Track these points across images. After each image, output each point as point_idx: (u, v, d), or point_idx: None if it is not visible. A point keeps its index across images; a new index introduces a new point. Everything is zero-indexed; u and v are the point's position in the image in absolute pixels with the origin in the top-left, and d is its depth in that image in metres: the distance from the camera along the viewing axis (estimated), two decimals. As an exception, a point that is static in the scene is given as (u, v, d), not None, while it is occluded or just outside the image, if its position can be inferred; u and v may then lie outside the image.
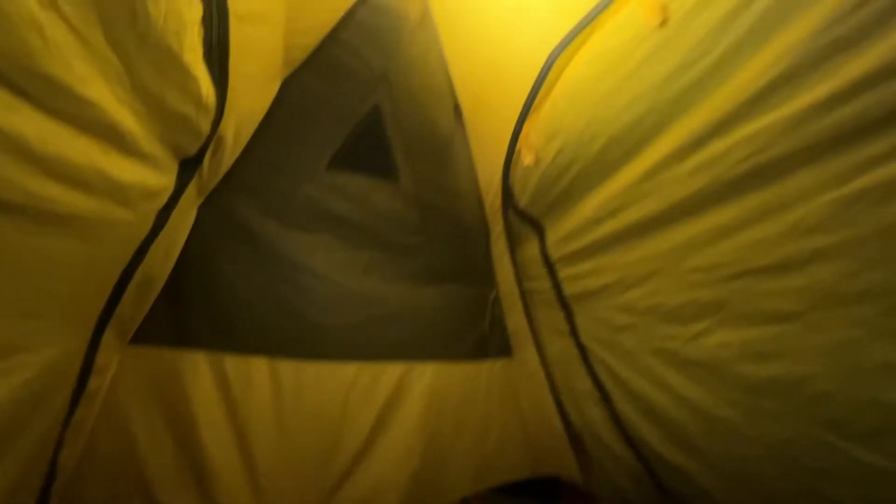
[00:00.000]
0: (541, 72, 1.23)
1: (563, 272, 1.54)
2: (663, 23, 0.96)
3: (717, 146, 0.96)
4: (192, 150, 1.10)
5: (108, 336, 1.16)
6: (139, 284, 1.15)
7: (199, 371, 1.38)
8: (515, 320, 1.83)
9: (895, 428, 0.78)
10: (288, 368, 1.50)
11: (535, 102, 1.33)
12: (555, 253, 1.55)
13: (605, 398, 1.50)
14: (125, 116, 0.84)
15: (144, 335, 1.32)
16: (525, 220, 1.63)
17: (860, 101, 0.76)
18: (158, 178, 1.06)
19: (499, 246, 1.75)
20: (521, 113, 1.36)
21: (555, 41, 1.15)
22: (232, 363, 1.43)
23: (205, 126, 1.03)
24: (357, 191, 1.57)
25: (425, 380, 1.72)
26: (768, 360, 0.96)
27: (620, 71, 1.08)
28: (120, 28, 0.70)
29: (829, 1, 0.77)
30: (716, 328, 1.08)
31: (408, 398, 1.61)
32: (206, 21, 0.83)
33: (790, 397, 0.95)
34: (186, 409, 1.27)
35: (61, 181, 0.77)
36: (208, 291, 1.42)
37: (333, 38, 1.27)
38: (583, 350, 1.59)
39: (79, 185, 0.80)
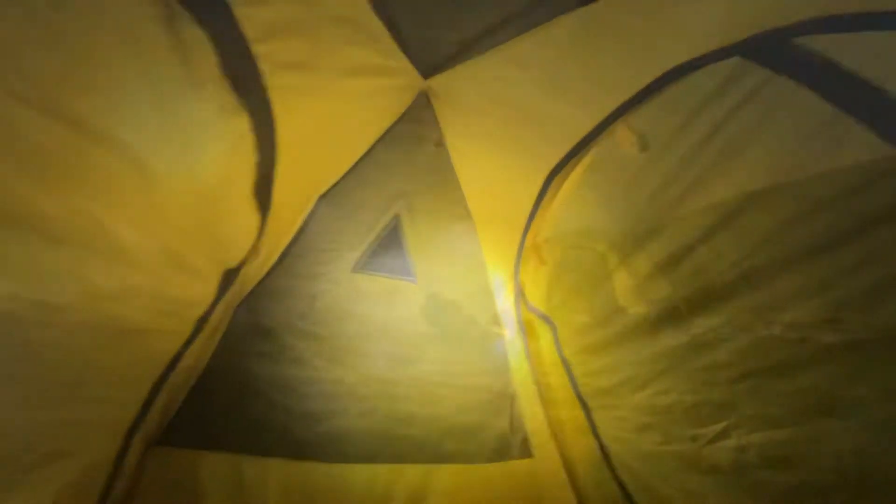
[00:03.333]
0: (542, 188, 1.39)
1: (577, 369, 1.56)
2: (643, 149, 1.11)
3: (705, 253, 1.04)
4: (235, 263, 1.25)
5: (137, 441, 1.22)
6: (170, 390, 1.23)
7: (218, 473, 1.41)
8: (535, 419, 1.80)
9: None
10: (304, 471, 1.51)
11: (539, 211, 1.48)
12: (567, 348, 1.58)
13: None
14: (182, 242, 0.99)
15: (168, 436, 1.38)
16: (537, 315, 1.69)
17: (832, 213, 0.84)
18: (204, 289, 1.20)
19: (514, 342, 1.79)
20: (527, 221, 1.50)
21: (552, 163, 1.33)
22: (250, 465, 1.45)
23: (248, 244, 1.19)
24: (378, 291, 1.69)
25: (443, 483, 1.67)
26: (787, 467, 0.94)
27: (612, 187, 1.22)
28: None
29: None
30: (732, 430, 1.07)
31: (426, 502, 1.58)
32: (259, 166, 1.01)
33: (821, 509, 0.91)
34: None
35: (123, 302, 0.90)
36: (233, 394, 1.49)
37: (362, 164, 1.50)
38: (605, 451, 1.54)
39: (137, 305, 0.93)
